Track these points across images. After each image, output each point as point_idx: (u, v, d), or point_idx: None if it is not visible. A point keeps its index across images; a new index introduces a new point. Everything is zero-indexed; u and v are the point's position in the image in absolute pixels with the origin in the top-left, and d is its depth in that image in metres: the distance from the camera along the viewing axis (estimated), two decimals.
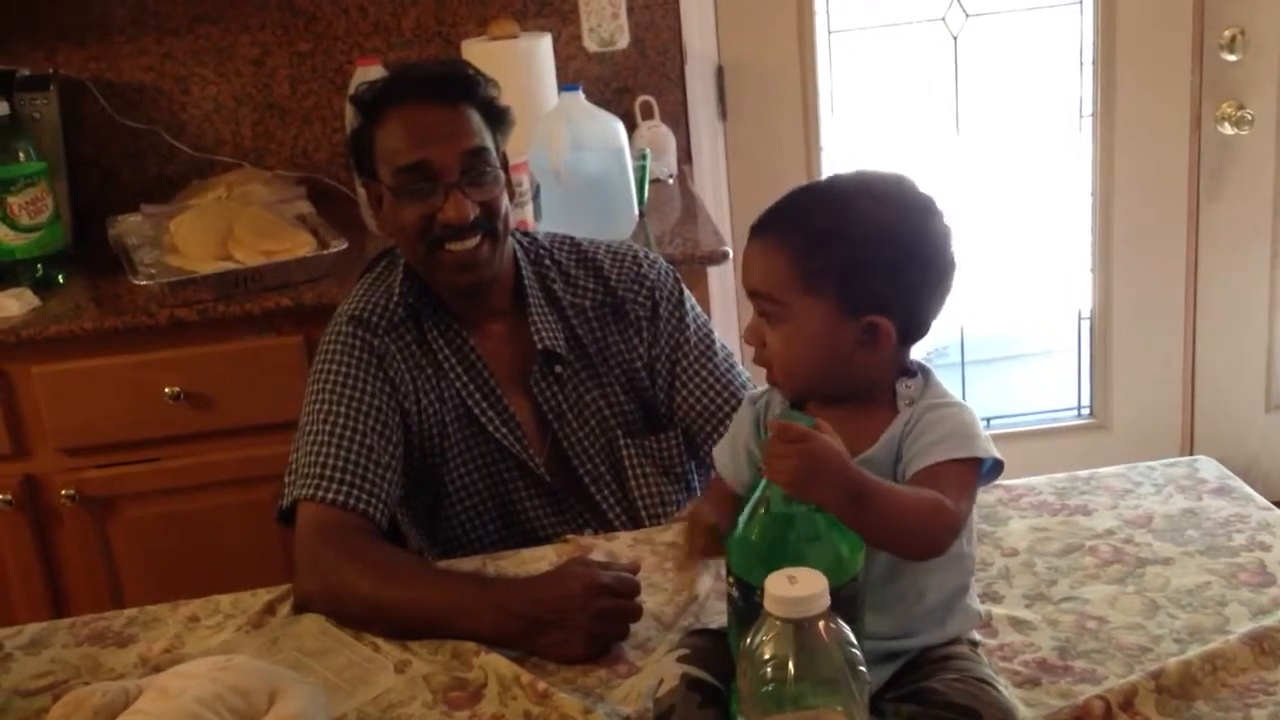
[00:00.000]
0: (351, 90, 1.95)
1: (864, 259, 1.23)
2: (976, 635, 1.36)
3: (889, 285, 1.25)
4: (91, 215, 2.80)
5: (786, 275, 1.25)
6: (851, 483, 1.14)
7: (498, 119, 1.81)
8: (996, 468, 1.26)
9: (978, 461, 1.24)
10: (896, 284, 1.25)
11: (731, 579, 1.18)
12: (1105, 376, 3.33)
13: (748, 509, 1.18)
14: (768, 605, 1.02)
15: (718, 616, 1.45)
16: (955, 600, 1.31)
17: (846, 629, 1.04)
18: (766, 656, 1.01)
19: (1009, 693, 1.26)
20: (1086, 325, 3.35)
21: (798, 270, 1.24)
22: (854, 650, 1.03)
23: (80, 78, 2.87)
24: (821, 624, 1.02)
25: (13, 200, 2.52)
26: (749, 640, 1.04)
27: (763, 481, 1.16)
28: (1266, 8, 3.02)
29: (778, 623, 1.01)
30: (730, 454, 1.38)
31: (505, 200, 1.80)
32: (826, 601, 1.02)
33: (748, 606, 1.15)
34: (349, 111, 1.88)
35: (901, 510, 1.18)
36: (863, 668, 1.03)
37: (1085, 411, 3.41)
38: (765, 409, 1.36)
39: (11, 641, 1.61)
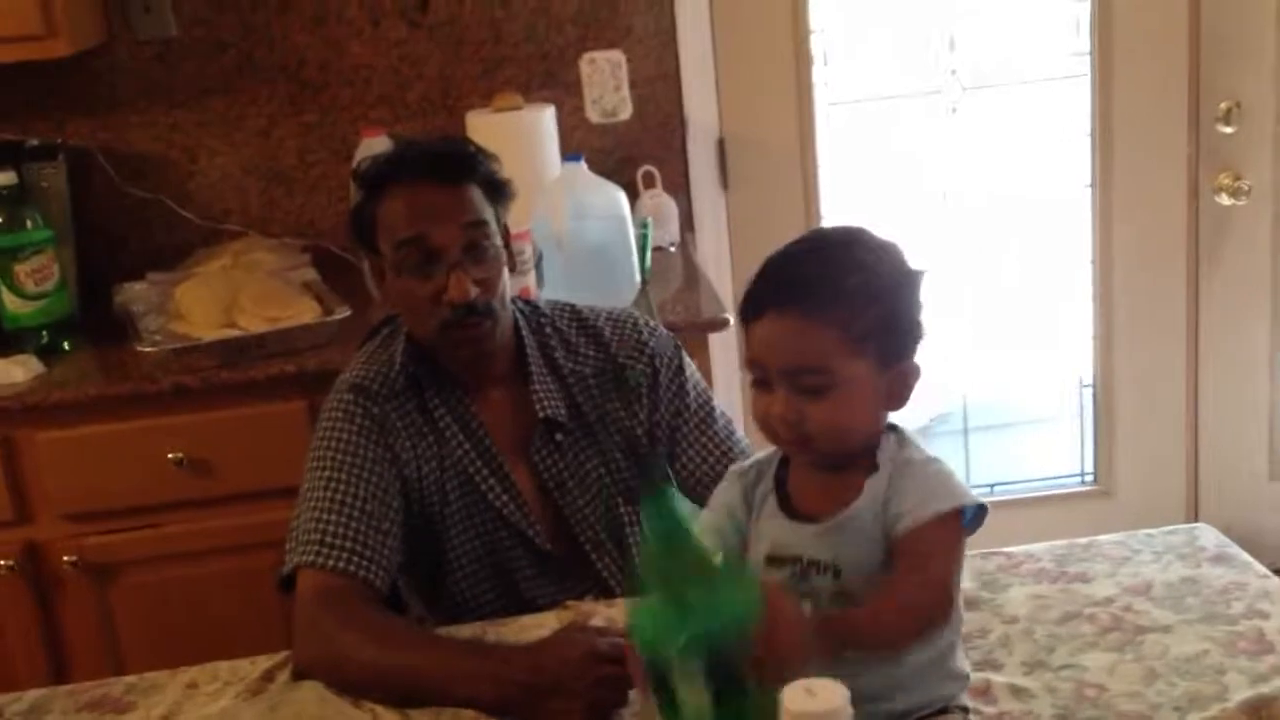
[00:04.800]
0: (355, 163, 1.97)
1: (893, 311, 1.26)
2: (968, 701, 1.36)
3: (910, 331, 1.28)
4: (98, 283, 2.81)
5: (833, 345, 1.24)
6: (830, 639, 1.16)
7: (498, 193, 1.83)
8: (981, 512, 1.27)
9: (959, 513, 1.25)
10: (915, 329, 1.28)
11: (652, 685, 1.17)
12: (1109, 443, 3.33)
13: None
14: None
15: None
16: (942, 660, 1.31)
17: None
18: None
19: None
20: (1089, 392, 3.35)
21: (843, 337, 1.23)
22: None
23: (88, 147, 2.90)
24: None
25: (20, 268, 2.55)
26: None
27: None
28: (1261, 80, 3.06)
29: None
30: (714, 528, 1.35)
31: (505, 277, 1.82)
32: (849, 715, 1.00)
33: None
34: (352, 185, 1.90)
35: (885, 627, 1.21)
36: None
37: (1089, 478, 3.41)
38: (755, 480, 1.35)
39: (11, 708, 1.61)
